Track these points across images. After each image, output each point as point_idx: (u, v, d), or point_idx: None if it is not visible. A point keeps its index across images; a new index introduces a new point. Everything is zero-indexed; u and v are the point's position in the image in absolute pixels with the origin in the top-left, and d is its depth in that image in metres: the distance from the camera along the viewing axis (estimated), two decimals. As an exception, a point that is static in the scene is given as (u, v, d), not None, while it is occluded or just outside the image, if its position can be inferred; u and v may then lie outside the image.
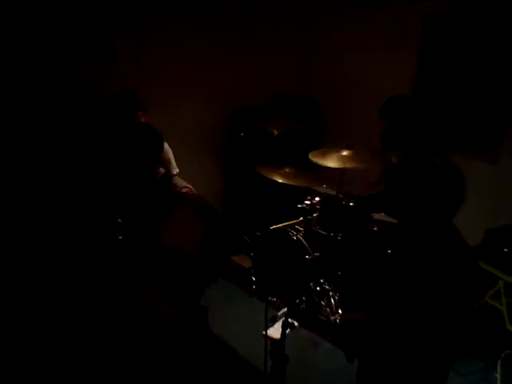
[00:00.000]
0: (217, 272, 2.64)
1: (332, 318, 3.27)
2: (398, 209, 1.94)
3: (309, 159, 3.24)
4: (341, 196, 3.30)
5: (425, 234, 1.88)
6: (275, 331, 3.14)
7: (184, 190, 2.55)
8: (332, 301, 3.27)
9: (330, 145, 3.30)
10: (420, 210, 1.83)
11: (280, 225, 3.43)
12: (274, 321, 3.42)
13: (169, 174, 2.68)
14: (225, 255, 2.66)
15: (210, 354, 2.94)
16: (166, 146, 3.44)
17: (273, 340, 2.93)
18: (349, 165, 3.07)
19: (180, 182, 2.63)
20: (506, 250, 3.40)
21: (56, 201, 3.54)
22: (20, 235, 3.33)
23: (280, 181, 3.25)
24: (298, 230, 3.32)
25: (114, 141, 3.42)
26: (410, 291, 1.86)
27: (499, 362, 3.13)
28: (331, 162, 3.09)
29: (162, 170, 2.57)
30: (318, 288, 3.23)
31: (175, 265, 2.39)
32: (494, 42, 3.92)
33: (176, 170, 3.57)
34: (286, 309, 3.45)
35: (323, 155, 3.19)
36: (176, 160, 3.58)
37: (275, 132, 3.67)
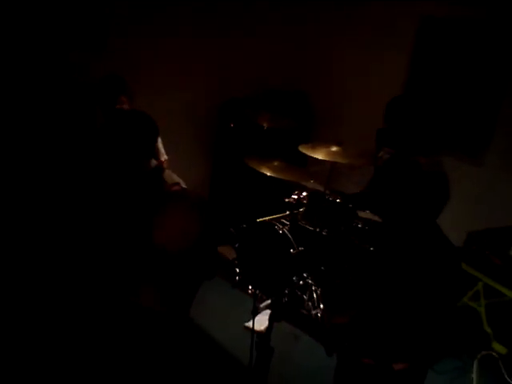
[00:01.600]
0: (211, 269, 2.61)
1: (313, 312, 3.30)
2: (383, 207, 1.96)
3: (298, 153, 3.26)
4: (328, 192, 3.32)
5: (409, 233, 1.90)
6: (257, 323, 3.16)
7: (174, 189, 2.51)
8: (314, 295, 3.30)
9: (320, 139, 3.32)
10: (405, 210, 1.85)
11: (266, 218, 3.44)
12: (255, 313, 3.44)
13: (160, 165, 2.62)
14: (215, 251, 2.62)
15: (192, 345, 2.94)
16: None
17: (258, 333, 2.94)
18: (337, 159, 3.10)
19: (170, 177, 2.54)
20: (487, 252, 3.44)
21: (44, 190, 3.50)
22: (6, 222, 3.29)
23: (268, 174, 3.26)
24: (283, 224, 3.34)
25: (104, 127, 3.39)
26: (392, 289, 1.88)
27: (475, 362, 3.19)
28: (320, 155, 3.12)
29: (153, 161, 2.49)
30: (300, 282, 3.26)
31: (166, 263, 2.37)
32: (483, 46, 3.95)
33: (164, 157, 3.54)
34: (268, 301, 3.48)
35: (313, 148, 3.21)
36: (164, 147, 3.56)
37: (265, 125, 3.67)
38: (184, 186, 2.59)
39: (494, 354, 3.20)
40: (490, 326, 3.38)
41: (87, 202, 2.98)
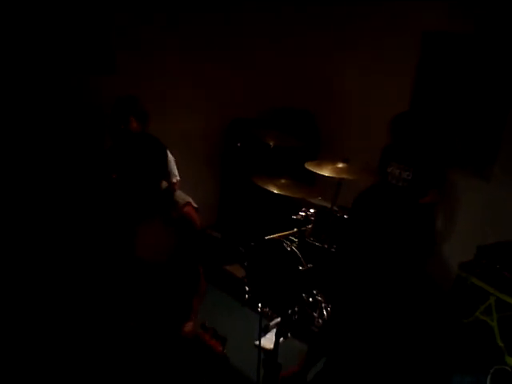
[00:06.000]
0: (193, 283, 2.60)
1: (324, 329, 3.28)
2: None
3: (305, 171, 3.28)
4: (335, 208, 3.34)
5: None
6: (268, 341, 3.15)
7: (185, 209, 2.51)
8: (324, 312, 3.29)
9: (326, 157, 3.35)
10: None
11: (274, 235, 3.45)
12: (266, 331, 3.42)
13: (171, 188, 2.64)
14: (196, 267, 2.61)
15: (201, 363, 2.94)
16: (168, 155, 3.46)
17: (265, 350, 2.93)
18: (343, 176, 3.13)
19: (181, 197, 2.56)
20: (497, 266, 3.43)
21: (50, 207, 3.56)
22: (14, 240, 3.34)
23: (275, 191, 3.28)
24: (292, 241, 3.35)
25: (112, 148, 3.43)
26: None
27: (489, 377, 3.16)
28: (326, 172, 3.15)
29: (164, 183, 2.51)
30: (310, 299, 3.25)
31: (147, 273, 2.40)
32: (488, 61, 3.98)
33: (177, 178, 3.55)
34: (278, 319, 3.46)
35: (319, 165, 3.24)
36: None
37: (272, 143, 3.70)
38: (195, 205, 2.62)
39: (507, 368, 3.16)
40: (502, 340, 3.34)
41: (91, 220, 3.03)
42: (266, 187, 3.32)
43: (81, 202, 3.62)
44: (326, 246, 3.27)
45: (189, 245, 2.53)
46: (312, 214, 3.49)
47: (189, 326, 2.47)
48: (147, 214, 2.50)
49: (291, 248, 3.23)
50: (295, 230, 3.51)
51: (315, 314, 3.32)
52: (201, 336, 2.01)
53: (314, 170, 3.21)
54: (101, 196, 3.33)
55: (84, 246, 3.19)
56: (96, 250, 2.87)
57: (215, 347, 1.98)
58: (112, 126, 3.35)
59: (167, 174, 3.39)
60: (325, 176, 3.19)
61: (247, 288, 3.46)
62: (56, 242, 3.41)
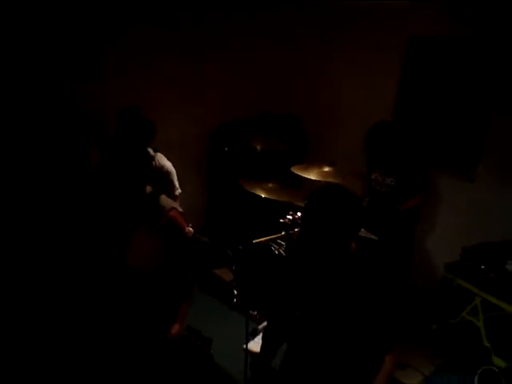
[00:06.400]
0: (185, 290, 2.61)
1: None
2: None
3: (292, 175, 3.30)
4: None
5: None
6: (256, 345, 3.16)
7: (171, 214, 2.53)
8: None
9: (313, 160, 3.37)
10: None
11: (262, 239, 3.46)
12: (254, 334, 3.43)
13: (172, 196, 2.66)
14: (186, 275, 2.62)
15: (189, 368, 2.93)
16: (169, 166, 3.45)
17: (253, 354, 2.94)
18: (329, 179, 3.15)
19: (167, 202, 2.58)
20: (482, 267, 3.46)
21: (36, 214, 3.54)
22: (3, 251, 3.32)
23: (263, 195, 3.29)
24: (279, 245, 3.36)
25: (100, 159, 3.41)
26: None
27: (476, 377, 3.19)
28: (313, 175, 3.17)
29: (148, 188, 2.53)
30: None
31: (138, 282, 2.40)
32: (472, 65, 4.04)
33: (178, 191, 3.56)
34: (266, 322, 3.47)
35: (306, 169, 3.27)
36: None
37: (259, 147, 3.72)
38: (180, 209, 2.62)
39: (494, 368, 3.20)
40: (489, 340, 3.37)
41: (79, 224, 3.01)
42: (253, 191, 3.33)
43: (67, 210, 3.60)
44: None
45: (177, 250, 2.53)
46: (299, 218, 3.50)
47: (175, 329, 2.47)
48: (134, 220, 2.50)
49: (279, 251, 3.24)
50: (283, 233, 3.52)
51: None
52: (186, 337, 2.01)
53: (301, 174, 3.23)
54: (87, 203, 3.32)
55: (74, 254, 3.17)
56: (86, 258, 2.86)
57: (203, 347, 1.99)
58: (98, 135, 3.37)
59: (171, 187, 3.40)
60: (312, 179, 3.21)
61: (235, 292, 3.47)
62: (45, 251, 3.39)
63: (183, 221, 2.58)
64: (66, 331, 2.61)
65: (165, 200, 2.58)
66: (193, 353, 1.99)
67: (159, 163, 3.39)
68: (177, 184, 3.53)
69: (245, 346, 2.73)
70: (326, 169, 3.23)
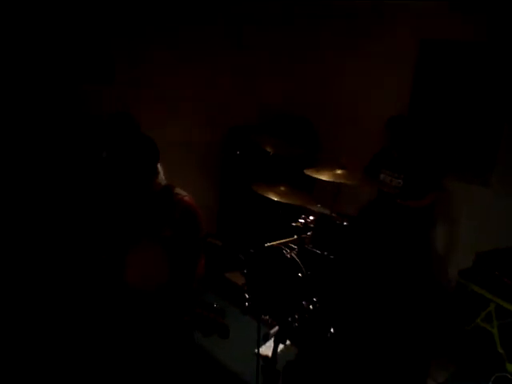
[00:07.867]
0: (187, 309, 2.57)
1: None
2: None
3: (304, 178, 3.29)
4: (334, 215, 3.34)
5: None
6: (267, 349, 3.14)
7: (185, 199, 2.51)
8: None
9: (325, 163, 3.36)
10: None
11: (274, 242, 3.45)
12: (266, 339, 3.42)
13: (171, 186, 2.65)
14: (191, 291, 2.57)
15: (201, 371, 2.93)
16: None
17: (264, 357, 2.93)
18: (341, 180, 3.14)
19: (181, 191, 2.59)
20: (496, 272, 3.43)
21: (50, 214, 3.55)
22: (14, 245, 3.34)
23: (275, 199, 3.28)
24: (291, 248, 3.34)
25: (110, 155, 3.43)
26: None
27: (490, 384, 3.16)
28: (325, 177, 3.16)
29: (161, 180, 2.52)
30: (310, 307, 3.24)
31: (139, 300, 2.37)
32: (485, 68, 4.01)
33: (164, 182, 3.53)
34: (278, 327, 3.46)
35: (318, 171, 3.26)
36: (171, 176, 3.58)
37: (271, 151, 3.71)
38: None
39: (508, 375, 3.16)
40: (503, 347, 3.33)
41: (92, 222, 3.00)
42: (265, 195, 3.32)
43: (74, 214, 3.60)
44: (325, 253, 3.27)
45: (193, 241, 2.49)
46: (311, 221, 3.49)
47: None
48: (136, 230, 2.45)
49: (291, 255, 3.22)
50: (295, 237, 3.51)
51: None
52: (200, 314, 2.02)
53: (313, 176, 3.22)
54: (93, 209, 3.31)
55: (75, 261, 3.17)
56: (85, 269, 2.84)
57: (217, 319, 2.00)
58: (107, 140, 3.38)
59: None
60: (323, 183, 3.19)
61: (247, 295, 3.45)
62: (47, 255, 3.40)
63: (200, 211, 2.55)
64: (61, 339, 2.60)
65: (179, 190, 2.57)
66: (209, 327, 2.01)
67: None
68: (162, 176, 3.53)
69: (256, 350, 2.72)
70: (339, 171, 3.22)
